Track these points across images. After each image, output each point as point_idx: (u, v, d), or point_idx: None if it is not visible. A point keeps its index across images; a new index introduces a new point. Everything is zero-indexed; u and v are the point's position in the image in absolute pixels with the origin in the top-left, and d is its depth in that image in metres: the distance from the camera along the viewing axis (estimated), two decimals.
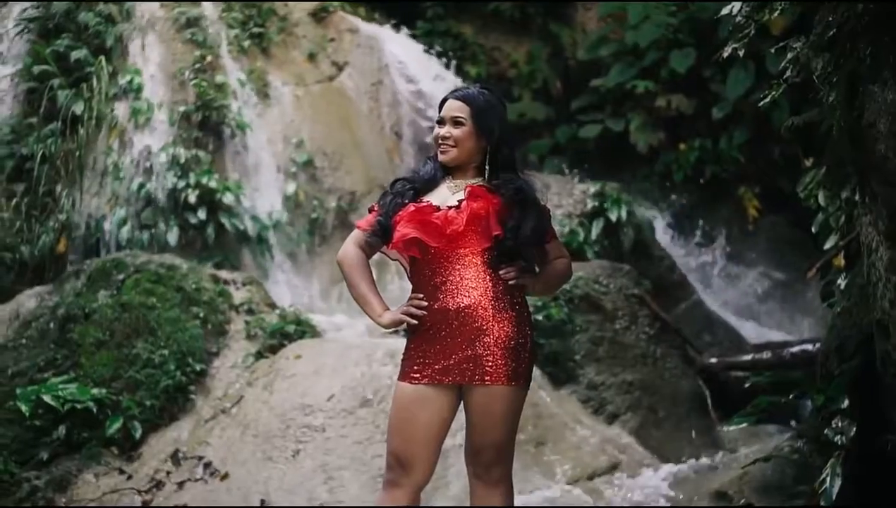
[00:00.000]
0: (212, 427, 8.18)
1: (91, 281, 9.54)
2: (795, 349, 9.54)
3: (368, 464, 7.41)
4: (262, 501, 7.24)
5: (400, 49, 14.31)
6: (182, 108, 12.02)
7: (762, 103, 6.06)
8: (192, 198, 11.20)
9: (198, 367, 8.91)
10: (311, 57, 13.75)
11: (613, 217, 11.61)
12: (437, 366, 4.46)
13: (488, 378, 4.42)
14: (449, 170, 4.70)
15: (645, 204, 13.67)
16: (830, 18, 5.21)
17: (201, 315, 9.30)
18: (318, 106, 13.27)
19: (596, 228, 11.56)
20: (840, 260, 6.96)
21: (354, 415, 7.80)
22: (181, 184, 11.30)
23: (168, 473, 7.82)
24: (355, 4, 14.94)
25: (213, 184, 11.32)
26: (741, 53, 5.93)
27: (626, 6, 15.68)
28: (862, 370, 5.84)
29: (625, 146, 14.99)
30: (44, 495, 7.68)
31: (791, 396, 6.93)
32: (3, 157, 11.24)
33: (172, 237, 11.03)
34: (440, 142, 4.62)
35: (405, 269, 4.70)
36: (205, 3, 13.33)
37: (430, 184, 4.67)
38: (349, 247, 4.74)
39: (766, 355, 9.84)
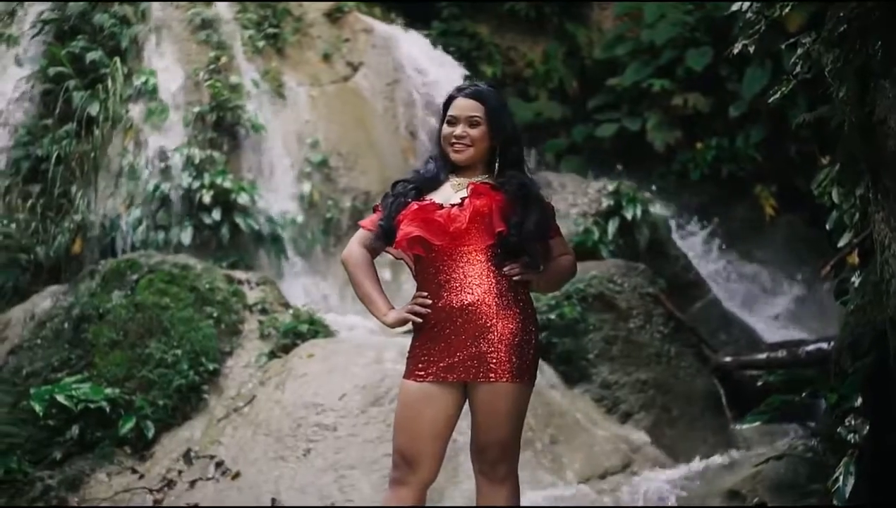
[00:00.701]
0: (224, 427, 8.18)
1: (105, 282, 9.56)
2: (811, 347, 9.46)
3: (380, 463, 7.38)
4: (274, 500, 7.23)
5: (415, 49, 14.30)
6: (197, 109, 12.04)
7: (772, 99, 6.01)
8: (207, 199, 11.20)
9: (211, 367, 8.92)
10: (326, 57, 13.76)
11: (629, 216, 11.57)
12: (441, 364, 4.44)
13: (493, 375, 4.39)
14: (453, 169, 4.67)
15: (661, 202, 13.61)
16: (841, 14, 5.17)
17: (215, 315, 9.32)
18: (333, 106, 13.27)
19: (611, 227, 11.52)
20: (854, 258, 6.90)
21: (366, 414, 7.79)
22: (196, 184, 11.32)
23: (180, 472, 7.83)
24: (371, 4, 14.94)
25: (227, 184, 11.34)
26: (751, 50, 5.88)
27: (643, 5, 15.65)
28: (875, 368, 5.79)
29: (641, 145, 14.96)
30: (56, 494, 7.70)
31: (804, 395, 6.88)
32: (19, 158, 11.30)
33: (187, 237, 11.05)
34: (454, 141, 4.57)
35: (410, 268, 4.68)
36: (219, 4, 13.36)
37: (433, 183, 4.64)
38: (353, 246, 4.73)
39: (782, 354, 9.77)
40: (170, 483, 7.75)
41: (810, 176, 9.72)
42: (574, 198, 11.86)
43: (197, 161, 11.47)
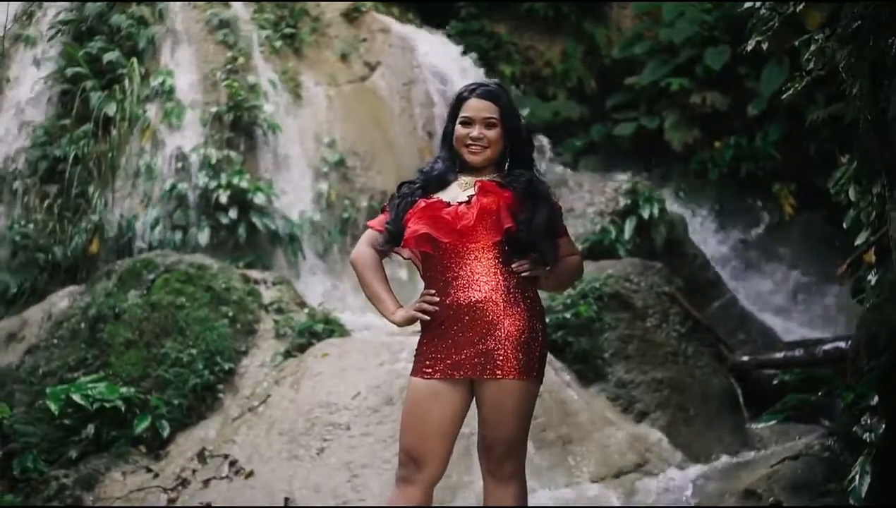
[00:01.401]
0: (238, 426, 8.18)
1: (121, 282, 9.58)
2: (828, 346, 9.38)
3: (392, 463, 7.31)
4: (287, 499, 7.22)
5: (432, 48, 14.29)
6: (214, 109, 12.06)
7: (785, 96, 5.99)
8: (224, 199, 11.22)
9: (226, 366, 8.94)
10: (344, 57, 13.77)
11: (646, 214, 11.54)
12: (448, 361, 4.42)
13: (499, 372, 4.37)
14: (462, 168, 4.66)
15: (680, 201, 13.57)
16: (854, 11, 5.14)
17: (230, 314, 9.33)
18: (350, 106, 13.28)
19: (628, 226, 11.49)
20: (871, 257, 6.85)
21: (379, 413, 7.77)
22: (213, 184, 11.34)
23: (194, 471, 7.83)
24: (388, 4, 14.94)
25: (244, 184, 11.35)
26: (765, 46, 5.85)
27: (661, 4, 15.61)
28: (892, 366, 5.74)
29: (660, 144, 14.94)
30: (72, 493, 7.71)
31: (820, 394, 6.85)
32: (37, 159, 11.35)
33: (204, 237, 11.08)
34: (470, 143, 4.55)
35: (417, 267, 4.66)
36: (236, 5, 13.39)
37: (440, 182, 4.62)
38: (361, 247, 4.75)
39: (799, 353, 9.71)
40: (184, 482, 7.75)
41: (829, 174, 9.65)
42: (591, 197, 11.84)
43: (214, 161, 11.50)
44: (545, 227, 4.47)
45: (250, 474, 7.59)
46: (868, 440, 5.56)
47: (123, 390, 8.39)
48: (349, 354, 8.55)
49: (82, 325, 9.24)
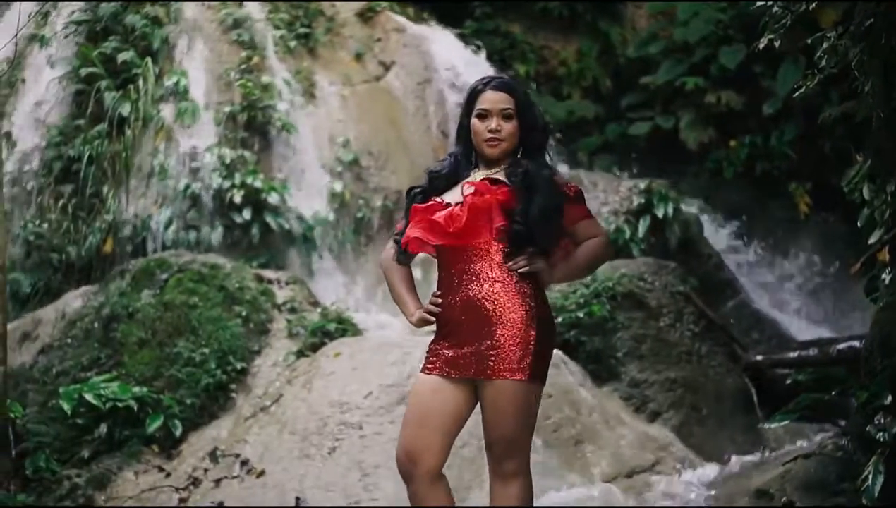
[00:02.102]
0: (250, 426, 8.19)
1: (135, 281, 9.61)
2: (842, 346, 9.30)
3: None
4: (298, 499, 7.22)
5: (447, 48, 14.28)
6: (228, 109, 12.08)
7: (797, 94, 5.96)
8: (238, 199, 11.23)
9: (239, 366, 8.95)
10: (358, 57, 13.77)
11: (660, 214, 11.49)
12: (446, 359, 4.45)
13: (493, 373, 4.35)
14: (480, 162, 4.65)
15: (695, 201, 13.52)
16: (867, 9, 5.12)
17: (243, 314, 9.35)
18: (365, 105, 13.27)
19: (642, 225, 11.45)
20: (884, 255, 6.81)
21: (391, 413, 7.76)
22: (227, 184, 11.35)
23: (206, 471, 7.84)
24: (403, 4, 14.93)
25: (258, 184, 11.36)
26: (777, 44, 5.83)
27: (676, 3, 15.56)
28: None
29: (675, 143, 14.88)
30: (84, 493, 7.72)
31: (833, 393, 6.79)
32: (51, 159, 11.39)
33: (218, 237, 11.09)
34: (489, 136, 4.54)
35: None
36: (251, 4, 13.40)
37: (449, 181, 4.62)
38: (388, 250, 4.78)
39: (813, 352, 9.63)
40: (195, 482, 7.76)
41: (845, 173, 9.62)
42: (605, 197, 11.81)
43: (228, 161, 11.51)
44: (540, 217, 4.39)
45: (262, 473, 7.59)
46: (881, 439, 5.53)
47: (136, 389, 8.40)
48: (362, 354, 8.55)
49: (96, 325, 9.27)
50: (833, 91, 10.28)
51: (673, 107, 15.14)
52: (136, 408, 8.25)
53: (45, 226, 10.87)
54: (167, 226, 11.11)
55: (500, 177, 4.53)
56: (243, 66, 12.52)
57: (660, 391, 9.01)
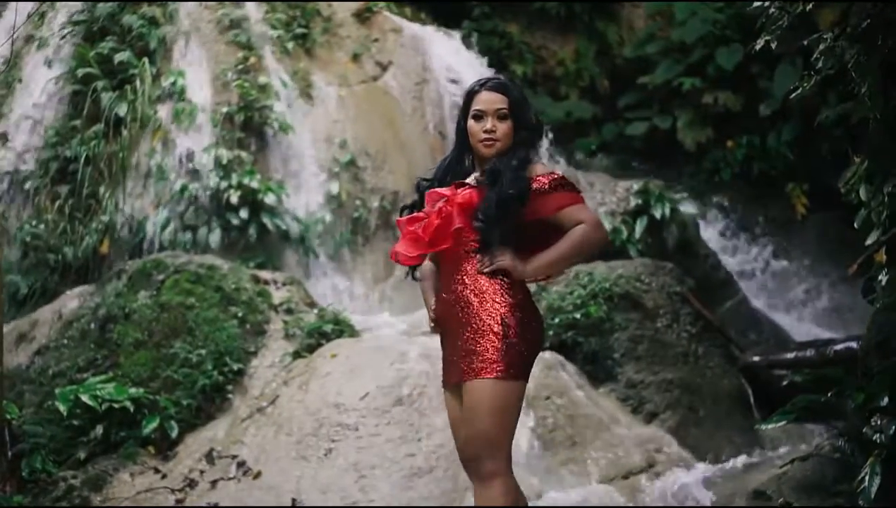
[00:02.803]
0: (247, 427, 8.17)
1: (132, 282, 9.60)
2: (839, 346, 9.29)
3: (401, 463, 7.35)
4: (294, 500, 7.20)
5: (444, 48, 14.28)
6: (225, 110, 12.08)
7: (794, 95, 5.95)
8: (235, 199, 11.23)
9: (235, 367, 8.93)
10: (355, 57, 13.77)
11: (657, 214, 11.47)
12: (443, 366, 4.63)
13: (468, 374, 4.40)
14: (477, 162, 4.70)
15: (692, 202, 13.52)
16: (865, 10, 5.12)
17: (240, 315, 9.34)
18: (362, 106, 13.27)
19: (639, 226, 11.42)
20: (881, 256, 6.81)
21: (388, 414, 7.76)
22: (224, 184, 11.36)
23: (202, 472, 7.81)
24: (400, 4, 14.94)
25: (255, 184, 11.36)
26: (773, 46, 5.83)
27: (673, 3, 15.56)
28: None
29: (672, 144, 14.90)
30: (80, 494, 7.68)
31: (831, 394, 6.79)
32: (48, 159, 11.39)
33: (215, 238, 11.10)
34: (484, 137, 4.57)
35: None
36: (248, 5, 13.41)
37: (450, 183, 4.65)
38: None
39: (810, 353, 9.61)
40: (192, 483, 7.73)
41: (842, 173, 9.61)
42: (602, 197, 11.80)
43: (225, 161, 11.51)
44: (493, 210, 4.39)
45: (258, 475, 7.58)
46: (878, 441, 5.53)
47: (132, 390, 8.38)
48: (358, 355, 8.54)
49: (92, 326, 9.25)
50: (830, 92, 10.25)
51: (670, 107, 15.17)
52: (132, 409, 8.22)
53: (42, 226, 10.86)
54: (164, 227, 11.11)
55: None
56: (240, 67, 12.53)
57: (657, 392, 9.00)
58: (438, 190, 4.56)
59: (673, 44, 15.33)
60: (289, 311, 9.68)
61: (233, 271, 9.84)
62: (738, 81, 14.58)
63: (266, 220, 11.35)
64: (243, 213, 11.24)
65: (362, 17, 14.22)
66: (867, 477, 5.42)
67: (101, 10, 12.25)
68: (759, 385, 9.70)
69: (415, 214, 4.58)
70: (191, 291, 9.36)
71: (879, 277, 6.60)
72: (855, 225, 7.02)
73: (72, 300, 9.90)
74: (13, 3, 11.31)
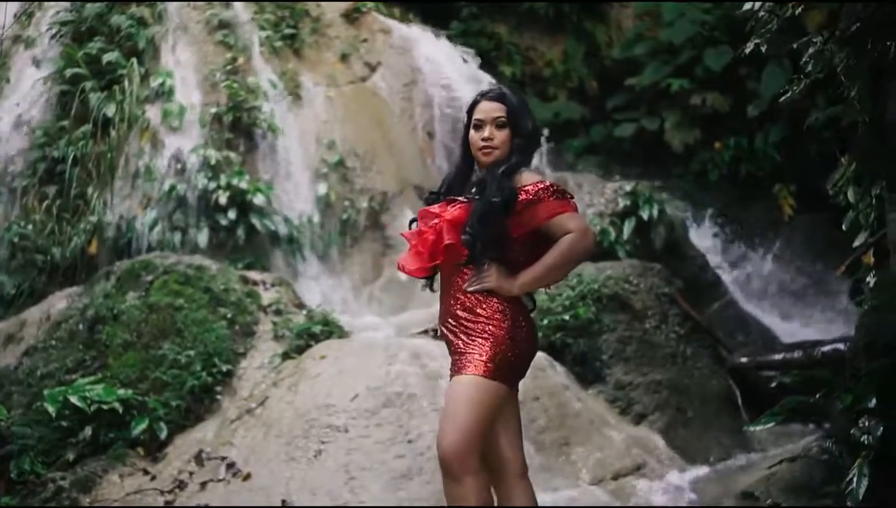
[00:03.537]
0: (236, 428, 8.15)
1: (120, 283, 9.58)
2: (827, 348, 9.34)
3: (390, 465, 7.35)
4: (284, 501, 7.19)
5: (433, 49, 14.28)
6: (213, 110, 12.07)
7: (783, 99, 5.98)
8: (223, 200, 11.23)
9: (224, 368, 8.91)
10: (344, 58, 13.77)
11: (645, 216, 11.51)
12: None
13: (453, 374, 4.53)
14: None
15: (680, 203, 13.55)
16: (854, 14, 5.14)
17: (229, 316, 9.32)
18: (351, 106, 13.27)
19: (627, 227, 11.46)
20: (869, 258, 6.84)
21: (377, 416, 7.75)
22: (212, 185, 11.35)
23: (191, 473, 7.80)
24: (389, 5, 14.93)
25: (243, 185, 11.36)
26: (763, 49, 5.86)
27: (662, 4, 15.59)
28: (891, 369, 5.73)
29: (660, 145, 14.93)
30: (69, 495, 7.67)
31: (819, 396, 6.81)
32: (36, 160, 11.36)
33: (203, 238, 11.08)
34: (482, 145, 4.62)
35: None
36: (237, 5, 13.39)
37: (458, 192, 4.73)
38: None
39: (798, 354, 9.66)
40: (181, 485, 7.72)
41: (830, 175, 9.64)
42: (591, 198, 11.82)
43: (213, 162, 11.50)
44: (478, 221, 4.45)
45: (248, 476, 7.56)
46: (866, 442, 5.56)
47: (121, 392, 8.36)
48: (347, 356, 8.53)
49: (80, 327, 9.22)
50: (818, 94, 10.29)
51: (658, 108, 15.20)
52: (121, 411, 8.20)
53: (30, 227, 10.82)
54: (152, 228, 11.09)
55: None
56: (229, 67, 12.52)
57: (645, 393, 9.01)
58: (429, 208, 4.62)
59: (661, 45, 15.37)
60: (278, 312, 9.67)
61: (222, 272, 9.83)
62: (726, 83, 14.63)
63: (255, 221, 11.34)
64: (232, 214, 11.23)
65: (351, 17, 14.23)
66: (855, 479, 5.44)
67: (90, 10, 12.23)
68: (746, 386, 9.74)
69: (420, 228, 4.62)
70: (180, 292, 9.34)
71: (867, 279, 6.64)
72: (843, 226, 7.05)
73: (60, 300, 9.87)
74: (1, 3, 11.28)
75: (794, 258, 13.78)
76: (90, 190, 11.12)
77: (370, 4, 14.45)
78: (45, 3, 12.55)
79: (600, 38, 16.70)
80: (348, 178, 12.50)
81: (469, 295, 4.50)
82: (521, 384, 4.72)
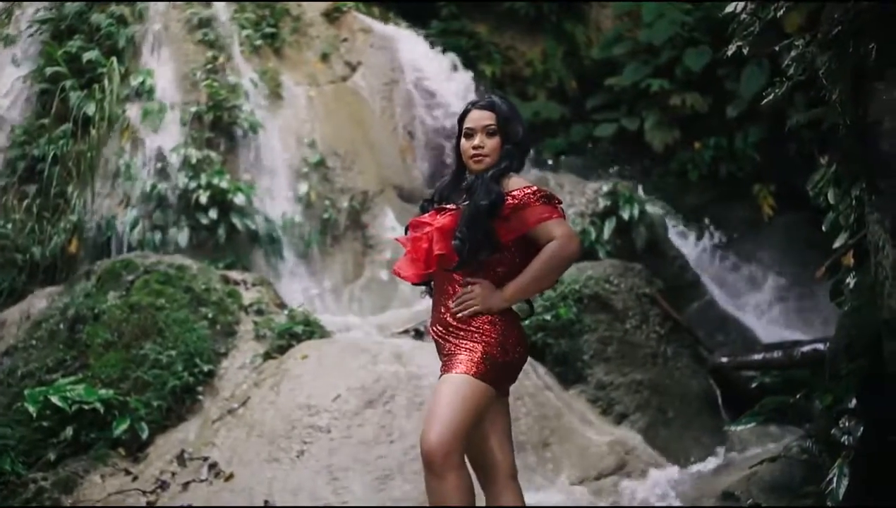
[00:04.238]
0: (218, 428, 8.15)
1: (101, 282, 9.55)
2: (806, 348, 9.39)
3: (373, 465, 7.37)
4: (266, 502, 7.20)
5: (413, 48, 14.28)
6: (194, 109, 12.03)
7: (765, 101, 6.00)
8: (204, 199, 11.20)
9: (205, 368, 8.90)
10: (325, 57, 13.76)
11: (626, 216, 11.53)
12: None
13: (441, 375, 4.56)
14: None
15: (660, 203, 13.58)
16: (835, 16, 5.15)
17: (210, 315, 9.31)
18: (331, 106, 13.25)
19: (608, 227, 11.48)
20: (849, 259, 6.87)
21: (360, 416, 7.76)
22: (193, 184, 11.32)
23: (173, 474, 7.80)
24: (369, 4, 14.92)
25: (224, 184, 11.33)
26: (745, 51, 5.88)
27: (641, 4, 15.62)
28: (870, 369, 5.77)
29: (640, 145, 14.95)
30: (50, 496, 7.65)
31: (798, 396, 6.85)
32: (16, 159, 11.28)
33: (184, 238, 11.05)
34: (473, 153, 4.65)
35: None
36: (217, 4, 13.36)
37: (452, 200, 4.73)
38: None
39: (777, 354, 9.70)
40: (163, 485, 7.72)
41: (810, 175, 9.68)
42: (571, 199, 11.83)
43: (194, 161, 11.47)
44: (466, 226, 4.48)
45: (230, 476, 7.56)
46: (846, 442, 5.59)
47: (102, 392, 8.34)
48: (329, 356, 8.53)
49: (61, 326, 9.19)
50: (798, 95, 10.34)
51: (638, 108, 15.22)
52: (102, 411, 8.18)
53: (10, 226, 10.75)
54: (133, 227, 11.04)
55: None
56: (209, 66, 12.48)
57: (626, 393, 9.05)
58: (420, 218, 4.65)
59: (641, 45, 15.39)
60: (259, 312, 9.66)
61: (202, 271, 9.81)
62: (706, 83, 14.67)
63: (235, 220, 11.32)
64: (212, 213, 11.20)
65: (331, 16, 14.21)
66: (835, 479, 5.47)
67: (69, 8, 12.17)
68: (727, 386, 9.78)
69: (414, 235, 4.64)
70: (160, 292, 9.32)
71: (847, 280, 6.66)
72: (823, 228, 7.08)
73: (40, 300, 9.83)
74: None
75: (773, 258, 13.83)
76: (70, 189, 11.06)
77: (350, 4, 14.44)
78: (25, 2, 12.48)
79: (580, 39, 16.71)
80: (329, 178, 12.48)
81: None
82: None
